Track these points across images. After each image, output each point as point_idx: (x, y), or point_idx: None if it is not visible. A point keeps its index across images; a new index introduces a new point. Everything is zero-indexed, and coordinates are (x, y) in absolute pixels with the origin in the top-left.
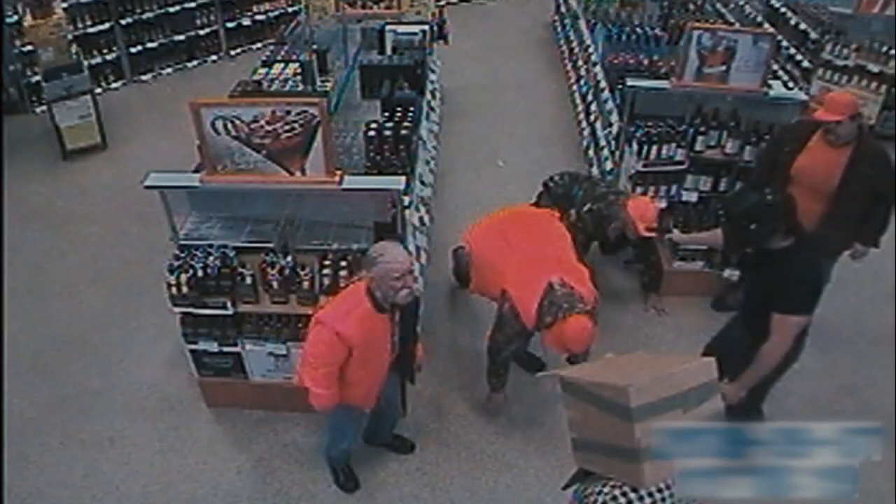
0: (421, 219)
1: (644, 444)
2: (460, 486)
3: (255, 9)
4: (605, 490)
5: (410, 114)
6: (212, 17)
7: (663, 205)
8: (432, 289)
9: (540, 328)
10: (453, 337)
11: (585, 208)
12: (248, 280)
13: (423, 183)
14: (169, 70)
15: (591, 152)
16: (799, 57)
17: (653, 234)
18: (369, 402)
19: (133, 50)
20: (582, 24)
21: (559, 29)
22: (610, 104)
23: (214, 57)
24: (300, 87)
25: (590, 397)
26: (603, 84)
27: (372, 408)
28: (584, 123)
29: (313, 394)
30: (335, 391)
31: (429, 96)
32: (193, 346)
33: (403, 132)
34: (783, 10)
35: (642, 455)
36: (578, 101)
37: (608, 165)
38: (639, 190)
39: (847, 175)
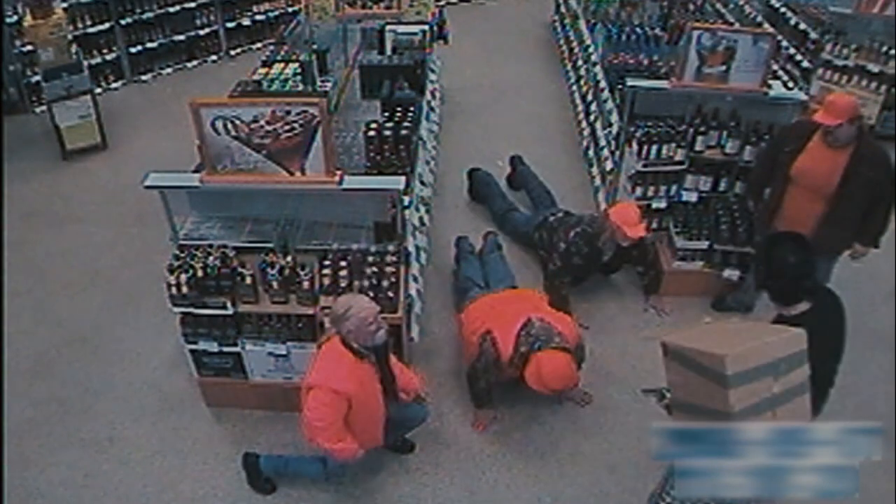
0: (421, 219)
1: (738, 409)
2: (460, 486)
3: (255, 9)
4: None
5: (410, 114)
6: (212, 17)
7: (662, 205)
8: (432, 289)
9: (514, 361)
10: (453, 336)
11: (573, 234)
12: (248, 280)
13: (423, 183)
14: (169, 70)
15: (591, 152)
16: (799, 57)
17: (643, 234)
18: (377, 443)
19: (133, 50)
20: (582, 24)
21: (559, 29)
22: (610, 104)
23: (214, 57)
24: (300, 87)
25: (690, 363)
26: (603, 84)
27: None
28: (584, 123)
29: (338, 451)
30: (352, 437)
31: (429, 96)
32: (193, 346)
33: (403, 132)
34: (783, 10)
35: (734, 420)
36: (578, 101)
37: (608, 165)
38: (639, 190)
39: (847, 176)
